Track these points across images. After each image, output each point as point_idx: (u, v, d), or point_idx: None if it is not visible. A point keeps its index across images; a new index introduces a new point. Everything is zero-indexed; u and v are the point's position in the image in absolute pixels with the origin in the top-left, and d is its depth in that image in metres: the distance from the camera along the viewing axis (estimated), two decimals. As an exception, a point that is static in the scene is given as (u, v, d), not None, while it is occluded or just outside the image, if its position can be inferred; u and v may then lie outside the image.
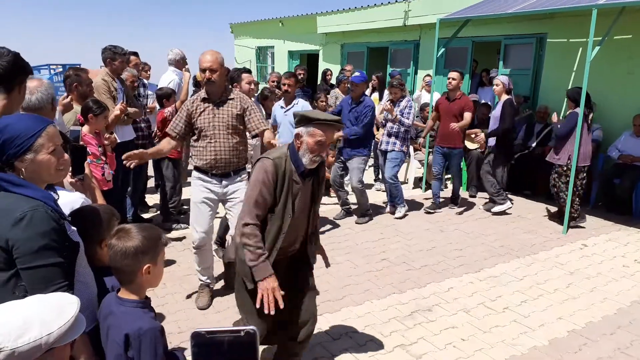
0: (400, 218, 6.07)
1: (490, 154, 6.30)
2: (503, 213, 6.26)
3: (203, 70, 3.40)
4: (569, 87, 7.07)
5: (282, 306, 2.34)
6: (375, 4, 10.58)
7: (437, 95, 7.26)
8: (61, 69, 15.12)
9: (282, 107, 5.36)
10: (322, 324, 3.54)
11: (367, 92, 9.02)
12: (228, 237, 4.28)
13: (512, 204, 6.39)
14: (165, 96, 5.39)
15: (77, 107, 3.98)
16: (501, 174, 6.33)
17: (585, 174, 5.71)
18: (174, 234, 5.32)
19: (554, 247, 5.21)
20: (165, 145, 3.62)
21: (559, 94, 7.11)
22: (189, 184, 6.67)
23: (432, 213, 6.30)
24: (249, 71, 4.65)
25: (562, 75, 7.26)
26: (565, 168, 5.67)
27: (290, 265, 2.70)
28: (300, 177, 2.47)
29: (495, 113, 6.15)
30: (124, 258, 1.65)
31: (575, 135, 5.48)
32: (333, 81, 8.83)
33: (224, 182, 3.63)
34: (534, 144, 7.11)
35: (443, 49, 7.46)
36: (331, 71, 9.20)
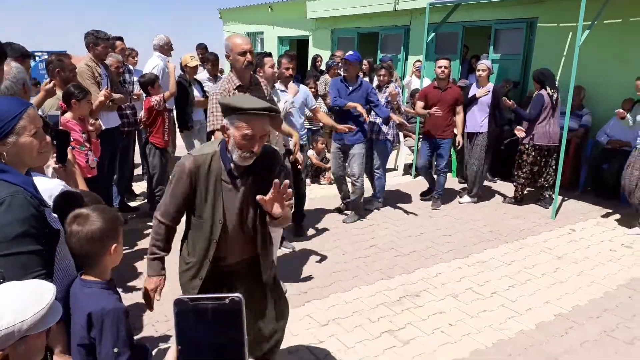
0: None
1: (478, 140, 6.08)
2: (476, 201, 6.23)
3: (243, 53, 3.19)
4: (559, 72, 7.10)
5: (150, 310, 2.28)
6: (365, -11, 10.46)
7: (427, 81, 7.21)
8: (46, 56, 14.87)
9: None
10: (310, 311, 3.53)
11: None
12: None
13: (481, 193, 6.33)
14: (149, 83, 5.25)
15: (59, 93, 3.90)
16: (489, 161, 6.30)
17: (556, 155, 5.77)
18: (161, 221, 5.27)
19: (542, 232, 5.23)
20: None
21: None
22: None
23: (438, 209, 5.97)
24: (269, 55, 4.41)
25: (552, 60, 7.23)
26: (527, 146, 5.82)
27: (249, 277, 2.35)
28: (230, 177, 2.13)
29: (486, 100, 5.96)
30: (91, 243, 1.63)
31: (543, 117, 5.64)
32: (323, 67, 8.76)
33: None
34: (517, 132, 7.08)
35: (433, 34, 7.40)
36: (321, 57, 9.13)
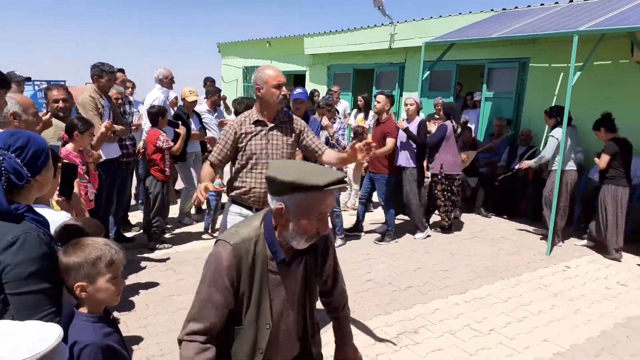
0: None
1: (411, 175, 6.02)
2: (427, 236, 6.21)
3: (279, 86, 2.96)
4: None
5: None
6: (361, 27, 10.74)
7: (421, 116, 7.33)
8: (45, 85, 15.01)
9: None
10: (308, 346, 3.50)
11: (353, 112, 9.18)
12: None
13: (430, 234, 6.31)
14: (160, 114, 5.32)
15: (58, 123, 3.93)
16: (420, 194, 6.27)
17: (460, 182, 6.36)
18: (157, 253, 5.24)
19: (538, 269, 5.24)
20: (204, 175, 3.01)
21: (541, 118, 7.23)
22: (176, 202, 6.68)
23: (382, 244, 5.89)
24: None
25: (544, 99, 7.41)
26: (440, 176, 6.18)
27: None
28: (278, 267, 1.71)
29: (403, 135, 5.91)
30: (62, 272, 1.59)
31: (446, 146, 6.06)
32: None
33: None
34: (516, 167, 7.20)
35: (428, 72, 7.58)
36: (318, 92, 9.29)
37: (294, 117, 3.21)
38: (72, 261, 1.59)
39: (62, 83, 5.38)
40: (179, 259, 5.11)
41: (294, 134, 3.13)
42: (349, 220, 6.42)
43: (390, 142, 5.68)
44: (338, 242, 5.72)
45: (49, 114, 3.78)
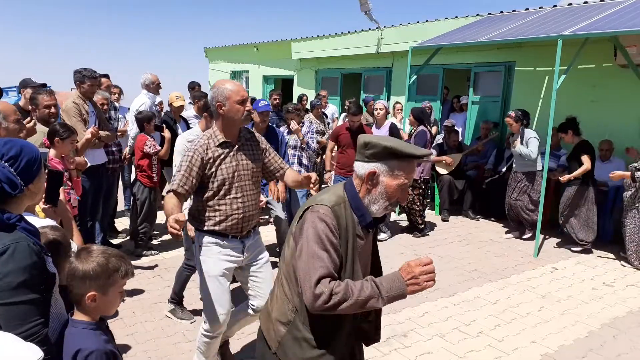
0: None
1: None
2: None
3: (242, 102, 2.70)
4: (537, 113, 7.34)
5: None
6: (349, 31, 10.77)
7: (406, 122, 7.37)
8: (29, 91, 14.82)
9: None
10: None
11: (341, 117, 9.21)
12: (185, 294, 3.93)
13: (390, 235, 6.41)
14: (147, 119, 5.29)
15: (43, 129, 3.88)
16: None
17: (427, 185, 6.56)
18: (144, 260, 5.19)
19: (526, 271, 5.28)
20: (171, 207, 2.54)
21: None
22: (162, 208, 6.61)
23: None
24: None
25: (530, 102, 7.47)
26: (420, 181, 6.36)
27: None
28: (364, 231, 1.79)
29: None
30: (72, 278, 1.60)
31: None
32: (308, 106, 8.91)
33: (246, 244, 2.89)
34: (504, 169, 7.25)
35: (415, 76, 7.62)
36: (307, 96, 9.29)
37: (255, 133, 2.99)
38: (91, 269, 1.58)
39: (45, 86, 5.27)
40: (166, 266, 5.06)
41: (259, 151, 2.91)
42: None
43: None
44: (382, 235, 6.07)
45: (33, 121, 3.72)
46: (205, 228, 2.78)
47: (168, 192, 2.65)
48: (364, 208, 1.76)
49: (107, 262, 1.62)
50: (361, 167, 1.75)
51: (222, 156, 2.72)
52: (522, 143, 6.05)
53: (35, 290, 1.50)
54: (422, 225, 6.53)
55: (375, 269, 1.99)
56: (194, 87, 8.03)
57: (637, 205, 5.29)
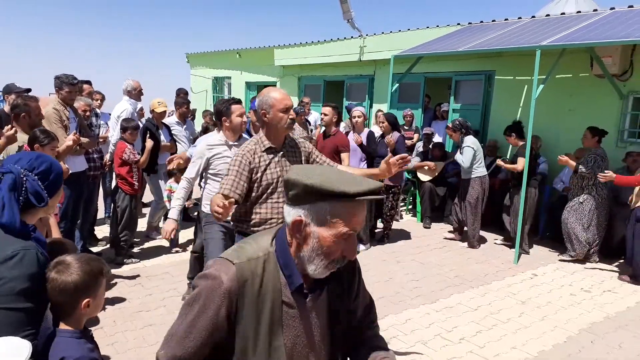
0: None
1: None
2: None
3: (286, 110, 2.76)
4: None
5: None
6: (331, 39, 10.84)
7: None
8: (13, 97, 14.53)
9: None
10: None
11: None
12: None
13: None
14: (133, 128, 5.25)
15: (23, 137, 3.82)
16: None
17: (397, 193, 6.55)
18: (124, 268, 5.12)
19: (506, 277, 5.35)
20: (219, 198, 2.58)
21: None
22: (143, 215, 6.55)
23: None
24: (238, 102, 3.90)
25: (510, 110, 7.61)
26: (399, 187, 6.55)
27: None
28: (295, 297, 1.36)
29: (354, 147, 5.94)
30: (62, 294, 1.58)
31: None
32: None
33: None
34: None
35: (397, 84, 7.70)
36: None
37: (299, 139, 3.03)
38: (80, 278, 1.60)
39: (29, 92, 5.18)
40: (147, 274, 5.00)
41: (303, 157, 2.96)
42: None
43: (345, 156, 5.46)
44: (361, 247, 5.96)
45: (14, 129, 3.67)
46: (245, 228, 2.87)
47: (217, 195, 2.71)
48: (294, 267, 1.34)
49: (90, 267, 1.64)
50: (287, 214, 1.34)
51: (268, 162, 2.81)
52: (460, 152, 6.26)
53: (34, 299, 1.52)
54: (387, 231, 6.55)
55: (335, 340, 1.47)
56: (179, 93, 7.97)
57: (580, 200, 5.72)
